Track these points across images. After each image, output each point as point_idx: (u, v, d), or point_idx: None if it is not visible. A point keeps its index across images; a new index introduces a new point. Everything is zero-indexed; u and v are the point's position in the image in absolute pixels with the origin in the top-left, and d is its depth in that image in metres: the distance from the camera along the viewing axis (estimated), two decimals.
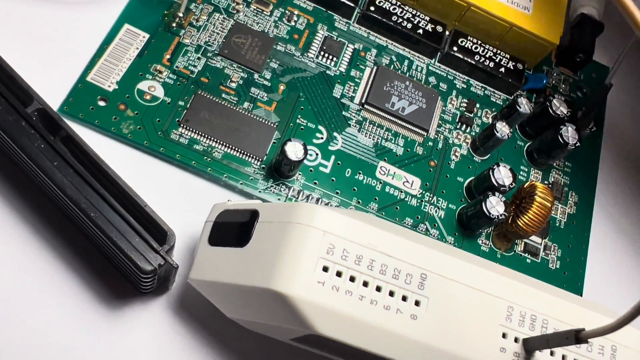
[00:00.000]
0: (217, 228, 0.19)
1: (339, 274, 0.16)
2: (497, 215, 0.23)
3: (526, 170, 0.27)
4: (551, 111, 0.26)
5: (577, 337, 0.15)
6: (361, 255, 0.17)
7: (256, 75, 0.25)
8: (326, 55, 0.26)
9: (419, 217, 0.24)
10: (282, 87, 0.25)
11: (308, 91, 0.25)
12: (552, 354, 0.17)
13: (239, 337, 0.21)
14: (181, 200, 0.22)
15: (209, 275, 0.18)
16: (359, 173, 0.24)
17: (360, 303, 0.16)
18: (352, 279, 0.16)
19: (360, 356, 0.18)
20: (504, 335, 0.17)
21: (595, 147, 0.29)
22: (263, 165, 0.23)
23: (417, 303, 0.17)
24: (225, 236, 0.18)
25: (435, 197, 0.25)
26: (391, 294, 0.17)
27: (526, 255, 0.25)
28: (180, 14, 0.25)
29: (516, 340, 0.17)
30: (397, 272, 0.17)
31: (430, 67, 0.28)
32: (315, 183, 0.24)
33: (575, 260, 0.26)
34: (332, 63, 0.26)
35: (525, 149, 0.27)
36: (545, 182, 0.27)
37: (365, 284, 0.16)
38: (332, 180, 0.24)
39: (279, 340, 0.20)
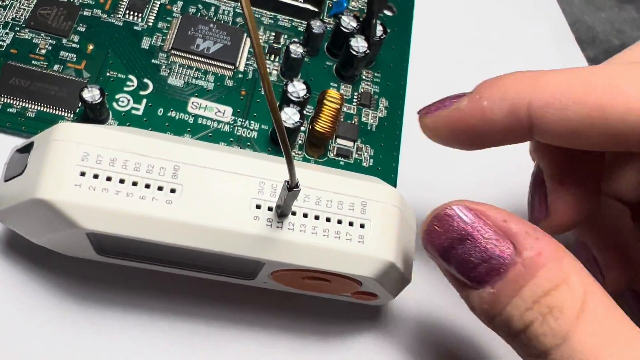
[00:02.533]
0: (9, 165, 0.21)
1: (95, 176, 0.19)
2: (293, 124, 0.25)
3: (336, 86, 0.30)
4: (342, 28, 0.29)
5: (288, 185, 0.17)
6: (115, 158, 0.19)
7: (64, 40, 0.27)
8: (132, 13, 0.29)
9: (232, 139, 0.27)
10: (90, 47, 0.27)
11: (116, 47, 0.28)
12: (305, 215, 0.20)
13: (65, 264, 0.23)
14: (3, 160, 0.25)
15: (3, 206, 0.20)
16: (171, 110, 0.27)
17: (117, 197, 0.19)
18: (108, 178, 0.19)
19: (171, 256, 0.21)
20: (257, 207, 0.20)
21: (403, 54, 0.31)
22: (76, 117, 0.26)
23: (172, 190, 0.19)
24: (14, 170, 0.21)
25: (247, 121, 0.27)
26: (147, 186, 0.19)
27: (339, 158, 0.28)
28: None
29: (270, 209, 0.20)
30: (150, 167, 0.19)
31: (237, 10, 0.30)
32: (128, 125, 0.26)
33: (388, 157, 0.28)
34: (139, 19, 0.29)
35: (334, 68, 0.30)
36: (356, 93, 0.30)
37: (121, 181, 0.19)
38: (145, 120, 0.26)
39: (103, 263, 0.23)
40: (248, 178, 0.20)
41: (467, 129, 0.18)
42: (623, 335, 0.14)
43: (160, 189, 0.19)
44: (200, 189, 0.19)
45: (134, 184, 0.19)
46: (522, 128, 0.17)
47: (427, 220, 0.17)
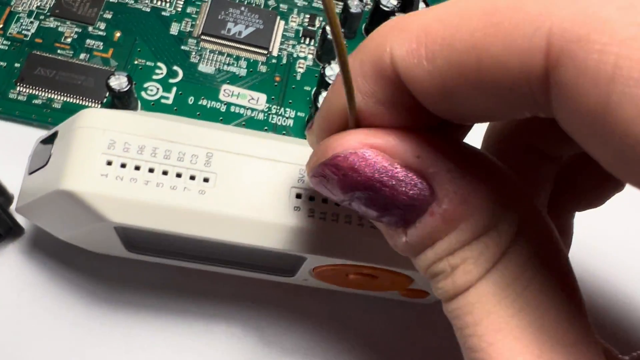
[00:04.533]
0: (33, 157, 0.20)
1: (123, 165, 0.17)
2: None
3: None
4: (382, 6, 0.27)
5: None
6: (143, 146, 0.17)
7: (90, 28, 0.26)
8: None
9: (267, 128, 0.25)
10: (117, 34, 0.26)
11: (144, 33, 0.26)
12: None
13: (93, 263, 0.22)
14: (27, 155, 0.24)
15: (27, 199, 0.19)
16: (202, 99, 0.25)
17: (146, 187, 0.17)
18: (137, 167, 0.17)
19: (200, 252, 0.20)
20: (298, 196, 0.18)
21: None
22: (103, 107, 0.24)
23: (205, 180, 0.17)
24: (38, 162, 0.19)
25: (282, 109, 0.26)
26: (178, 175, 0.17)
27: None
28: None
29: (311, 198, 0.18)
30: (181, 155, 0.18)
31: None
32: None
33: None
34: (167, 5, 0.27)
35: None
36: None
37: (151, 170, 0.17)
38: (175, 109, 0.25)
39: (132, 261, 0.21)
40: (287, 165, 0.18)
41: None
42: (526, 308, 0.11)
43: (192, 178, 0.17)
44: (236, 178, 0.18)
45: (164, 173, 0.17)
46: (389, 77, 0.11)
47: (313, 161, 0.13)
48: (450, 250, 0.12)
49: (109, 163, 0.17)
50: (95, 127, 0.18)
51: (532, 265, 0.11)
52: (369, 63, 0.11)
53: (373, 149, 0.12)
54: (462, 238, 0.11)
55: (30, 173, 0.19)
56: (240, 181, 0.18)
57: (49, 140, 0.19)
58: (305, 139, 0.24)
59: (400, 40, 0.11)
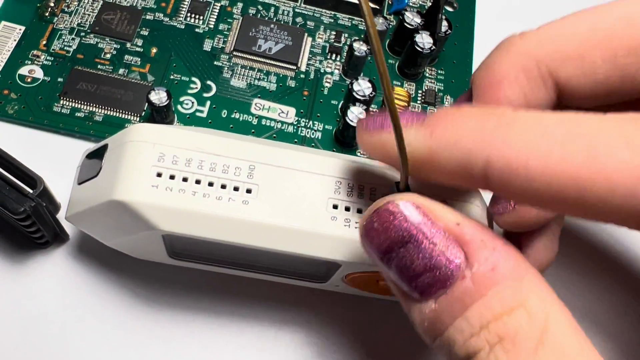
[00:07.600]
0: (82, 168, 0.21)
1: (172, 177, 0.18)
2: None
3: (400, 84, 0.29)
4: (406, 24, 0.28)
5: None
6: (190, 159, 0.19)
7: (128, 44, 0.27)
8: (194, 16, 0.28)
9: (297, 141, 0.26)
10: (154, 50, 0.27)
11: (179, 49, 0.28)
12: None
13: (134, 268, 0.23)
14: (72, 164, 0.25)
15: (78, 208, 0.20)
16: (235, 112, 0.26)
17: (193, 198, 0.18)
18: (184, 179, 0.18)
19: (240, 260, 0.21)
20: (334, 207, 0.19)
21: (467, 50, 0.30)
22: (142, 120, 0.26)
23: (248, 191, 0.19)
24: (87, 173, 0.20)
25: (311, 122, 0.27)
26: (223, 186, 0.19)
27: None
28: (52, 4, 0.27)
29: (347, 209, 0.19)
30: (226, 167, 0.19)
31: (296, 10, 0.30)
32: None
33: None
34: (200, 22, 0.28)
35: (396, 66, 0.29)
36: (420, 91, 0.29)
37: (197, 181, 0.18)
38: (209, 122, 0.26)
39: (172, 266, 0.22)
40: (324, 177, 0.19)
41: (411, 164, 0.15)
42: None
43: (236, 189, 0.19)
44: (276, 189, 0.19)
45: (210, 184, 0.19)
46: (475, 182, 0.13)
47: (366, 215, 0.14)
48: (483, 321, 0.12)
49: (159, 175, 0.18)
50: (145, 141, 0.19)
51: (572, 342, 0.12)
52: (460, 155, 0.13)
53: (417, 206, 0.14)
54: (492, 306, 0.12)
55: (80, 183, 0.21)
56: (281, 192, 0.19)
57: (98, 152, 0.20)
58: (335, 151, 0.26)
59: (502, 154, 0.12)
